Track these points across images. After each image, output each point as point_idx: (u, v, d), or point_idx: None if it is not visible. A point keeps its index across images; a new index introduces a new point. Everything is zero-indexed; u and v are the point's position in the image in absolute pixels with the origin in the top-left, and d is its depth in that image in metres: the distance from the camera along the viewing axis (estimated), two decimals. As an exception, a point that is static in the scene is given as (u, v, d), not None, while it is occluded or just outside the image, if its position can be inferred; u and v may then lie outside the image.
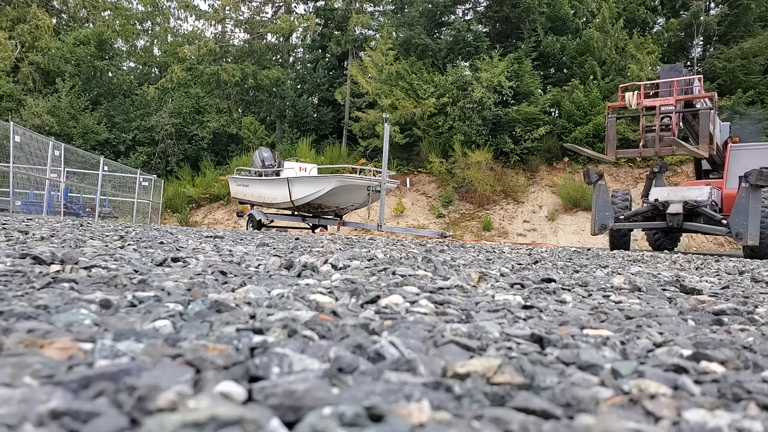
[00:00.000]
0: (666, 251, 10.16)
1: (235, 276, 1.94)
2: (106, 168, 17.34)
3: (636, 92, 10.20)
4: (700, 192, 9.39)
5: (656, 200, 9.58)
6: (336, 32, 26.41)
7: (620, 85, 11.86)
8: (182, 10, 28.59)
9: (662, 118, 9.71)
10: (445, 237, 11.77)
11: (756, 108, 19.58)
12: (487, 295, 1.77)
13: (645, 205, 10.04)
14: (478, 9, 25.35)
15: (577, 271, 3.16)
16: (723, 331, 1.32)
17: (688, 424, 0.65)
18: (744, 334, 1.28)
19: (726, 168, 11.12)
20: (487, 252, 5.33)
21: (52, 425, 0.52)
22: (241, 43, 27.59)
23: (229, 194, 15.99)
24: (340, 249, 4.22)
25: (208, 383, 0.66)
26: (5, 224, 5.06)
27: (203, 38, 27.38)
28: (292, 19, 25.62)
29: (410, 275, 2.21)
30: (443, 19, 24.89)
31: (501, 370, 0.79)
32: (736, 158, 10.58)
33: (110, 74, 27.13)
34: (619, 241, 10.46)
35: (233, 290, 1.54)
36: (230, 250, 3.39)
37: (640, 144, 10.13)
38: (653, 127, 9.83)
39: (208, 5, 27.78)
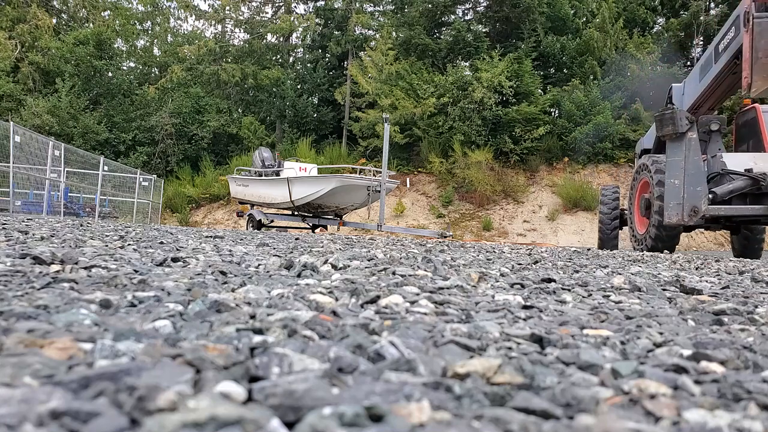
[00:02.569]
0: (613, 250, 8.75)
1: (235, 276, 1.94)
2: (106, 168, 17.35)
3: None
4: None
5: (749, 170, 6.83)
6: (336, 32, 26.42)
7: None
8: (182, 10, 28.59)
9: None
10: (445, 237, 11.77)
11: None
12: (487, 295, 1.77)
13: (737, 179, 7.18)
14: (478, 9, 25.37)
15: (577, 271, 3.16)
16: (723, 331, 1.32)
17: (688, 424, 0.65)
18: (744, 334, 1.28)
19: (765, 134, 8.53)
20: (487, 252, 5.33)
21: (52, 425, 0.52)
22: (241, 43, 27.61)
23: (229, 194, 16.00)
24: (340, 249, 4.22)
25: (208, 383, 0.66)
26: (5, 224, 5.06)
27: (203, 38, 27.39)
28: (292, 19, 25.63)
29: (410, 275, 2.21)
30: (443, 19, 24.92)
31: (501, 370, 0.79)
32: None
33: (110, 74, 27.14)
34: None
35: (233, 290, 1.54)
36: (230, 250, 3.39)
37: None
38: None
39: (208, 5, 27.83)
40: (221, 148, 25.45)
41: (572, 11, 23.85)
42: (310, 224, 13.26)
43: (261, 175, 13.23)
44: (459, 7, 25.02)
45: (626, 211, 10.20)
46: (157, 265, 2.19)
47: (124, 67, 29.38)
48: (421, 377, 0.76)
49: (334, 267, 2.44)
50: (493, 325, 1.16)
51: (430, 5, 23.69)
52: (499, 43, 23.05)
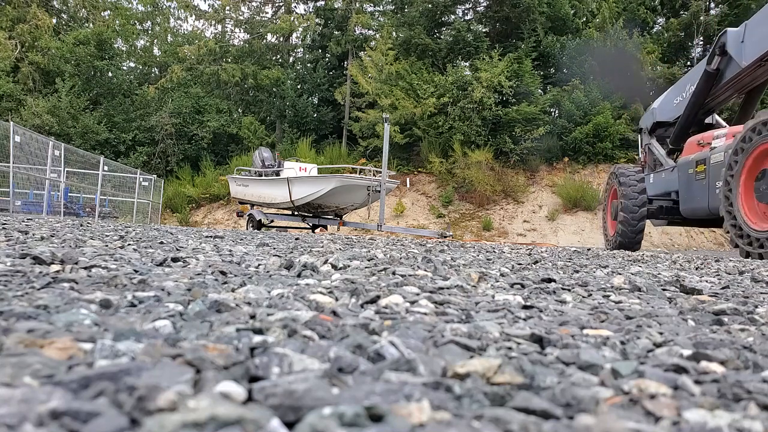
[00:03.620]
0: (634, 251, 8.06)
1: (235, 276, 1.94)
2: (106, 168, 17.35)
3: None
4: None
5: None
6: (336, 32, 26.42)
7: None
8: (182, 10, 28.60)
9: None
10: (445, 237, 11.77)
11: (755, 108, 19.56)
12: (487, 295, 1.76)
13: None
14: (478, 9, 25.37)
15: (577, 271, 3.16)
16: (723, 331, 1.32)
17: (688, 424, 0.65)
18: (744, 334, 1.28)
19: None
20: (487, 252, 5.33)
21: (52, 425, 0.52)
22: (241, 43, 27.61)
23: (229, 194, 16.00)
24: (340, 249, 4.22)
25: (208, 383, 0.66)
26: (5, 224, 5.06)
27: (203, 38, 27.38)
28: (292, 19, 25.63)
29: (410, 275, 2.21)
30: (443, 19, 24.91)
31: (501, 370, 0.79)
32: None
33: (110, 74, 27.15)
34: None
35: (233, 290, 1.54)
36: (230, 250, 3.39)
37: None
38: None
39: (208, 5, 27.84)
40: (221, 148, 25.45)
41: (572, 11, 23.85)
42: (310, 224, 13.26)
43: (261, 175, 13.23)
44: (459, 7, 25.02)
45: (656, 201, 8.58)
46: (157, 265, 2.19)
47: (124, 67, 29.38)
48: (421, 377, 0.76)
49: (334, 267, 2.44)
50: (493, 325, 1.16)
51: (430, 5, 23.69)
52: (499, 43, 23.04)
